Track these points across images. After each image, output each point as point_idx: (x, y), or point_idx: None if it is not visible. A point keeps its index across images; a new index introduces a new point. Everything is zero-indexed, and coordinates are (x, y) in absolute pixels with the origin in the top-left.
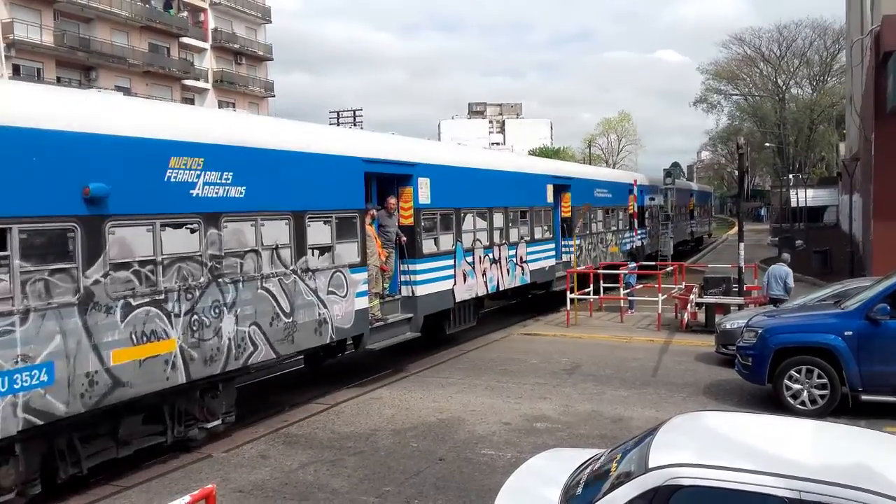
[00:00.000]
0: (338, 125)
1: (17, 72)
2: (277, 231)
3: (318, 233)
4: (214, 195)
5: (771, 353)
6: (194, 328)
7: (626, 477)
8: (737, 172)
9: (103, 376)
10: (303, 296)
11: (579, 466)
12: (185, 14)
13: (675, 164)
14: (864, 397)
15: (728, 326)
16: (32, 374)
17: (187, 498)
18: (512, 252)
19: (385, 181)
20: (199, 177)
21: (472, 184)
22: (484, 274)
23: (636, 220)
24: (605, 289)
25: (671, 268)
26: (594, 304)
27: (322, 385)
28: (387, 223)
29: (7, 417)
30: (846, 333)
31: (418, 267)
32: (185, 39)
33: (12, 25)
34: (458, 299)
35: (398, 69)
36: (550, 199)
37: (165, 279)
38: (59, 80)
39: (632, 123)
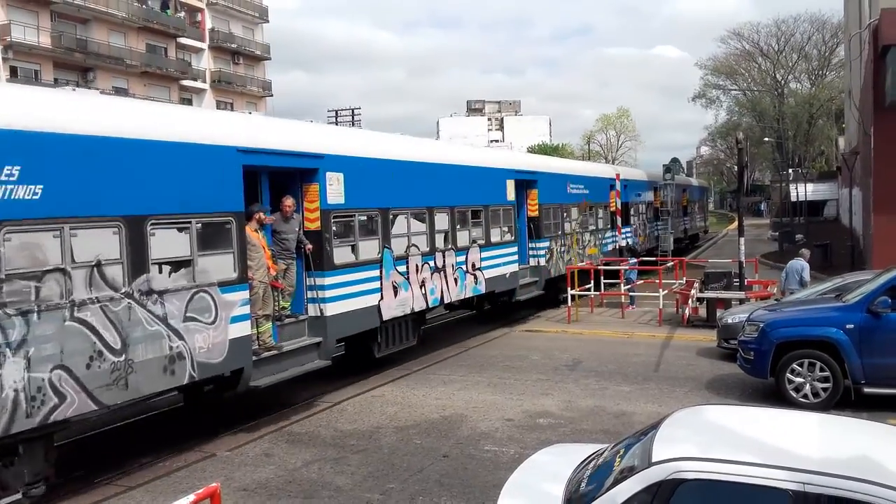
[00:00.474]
0: (336, 124)
1: (14, 74)
2: (100, 242)
3: (170, 243)
4: None
5: (773, 347)
6: None
7: (630, 471)
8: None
9: None
10: (143, 326)
11: (583, 461)
12: (182, 14)
13: (675, 160)
14: (866, 390)
15: (729, 321)
16: None
17: (192, 497)
18: (461, 258)
19: (283, 178)
20: None
21: (405, 180)
22: (423, 285)
23: (620, 218)
24: (606, 285)
25: (671, 263)
26: (595, 300)
27: (324, 383)
28: (283, 229)
29: None
30: (848, 327)
31: (328, 280)
32: (183, 40)
33: (9, 27)
34: (386, 317)
35: (397, 67)
36: (512, 196)
37: None
38: (56, 82)
39: (631, 119)
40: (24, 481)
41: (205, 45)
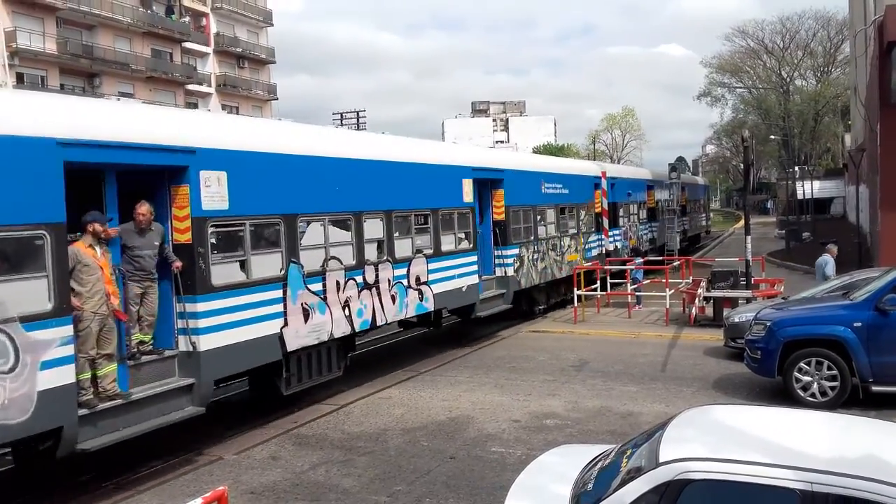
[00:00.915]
0: (341, 126)
1: (20, 80)
2: None
3: None
4: None
5: (780, 346)
6: None
7: (637, 472)
8: (742, 166)
9: None
10: None
11: (590, 462)
12: (186, 19)
13: (681, 159)
14: (874, 388)
15: (736, 320)
16: None
17: (199, 500)
18: (401, 272)
19: (144, 179)
20: None
21: (321, 180)
22: (347, 306)
23: (607, 220)
24: (612, 285)
25: (677, 262)
26: (601, 300)
27: (330, 386)
28: (136, 244)
29: None
30: (855, 325)
31: (203, 307)
32: (188, 44)
33: (15, 34)
34: (293, 346)
35: (402, 69)
36: (470, 197)
37: None
38: (62, 88)
39: (636, 118)
40: None
41: (210, 50)
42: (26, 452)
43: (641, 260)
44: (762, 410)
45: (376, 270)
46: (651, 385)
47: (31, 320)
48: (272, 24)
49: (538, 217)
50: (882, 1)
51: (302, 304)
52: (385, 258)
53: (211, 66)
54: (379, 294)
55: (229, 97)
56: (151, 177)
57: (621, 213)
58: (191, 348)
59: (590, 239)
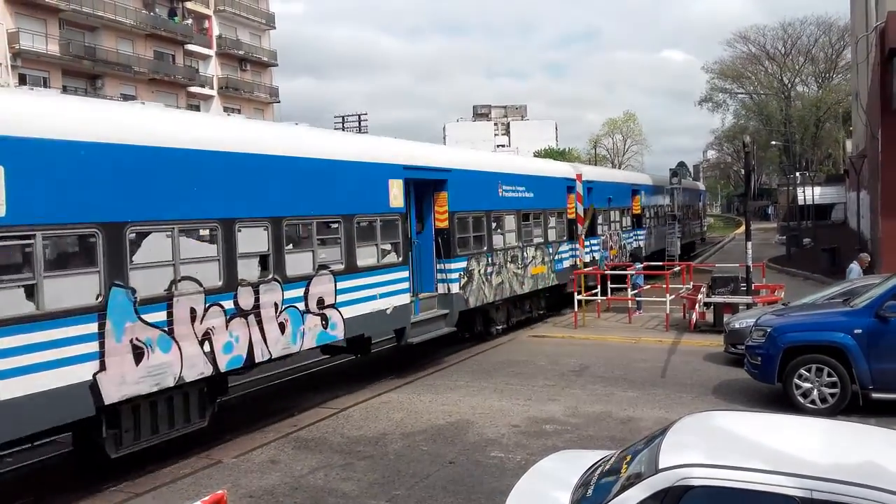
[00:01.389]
0: (343, 129)
1: (23, 81)
2: None
3: None
4: None
5: (780, 352)
6: None
7: (637, 478)
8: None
9: None
10: None
11: (589, 468)
12: (189, 21)
13: (682, 164)
14: (874, 395)
15: (737, 326)
16: None
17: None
18: (295, 293)
19: None
20: None
21: (168, 178)
22: (206, 340)
23: (583, 227)
24: (613, 290)
25: (678, 268)
26: (602, 305)
27: (330, 389)
28: None
29: None
30: (856, 331)
31: None
32: (190, 47)
33: (18, 35)
34: (116, 396)
35: (403, 72)
36: (399, 201)
37: None
38: (65, 89)
39: (637, 123)
40: None
41: (212, 52)
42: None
43: (641, 265)
44: (762, 417)
45: (256, 293)
46: (651, 390)
47: None
48: (274, 27)
49: (493, 224)
50: (884, 7)
51: (131, 341)
52: (271, 277)
53: (213, 69)
54: (259, 322)
55: (231, 100)
56: None
57: (600, 220)
58: None
59: (560, 249)
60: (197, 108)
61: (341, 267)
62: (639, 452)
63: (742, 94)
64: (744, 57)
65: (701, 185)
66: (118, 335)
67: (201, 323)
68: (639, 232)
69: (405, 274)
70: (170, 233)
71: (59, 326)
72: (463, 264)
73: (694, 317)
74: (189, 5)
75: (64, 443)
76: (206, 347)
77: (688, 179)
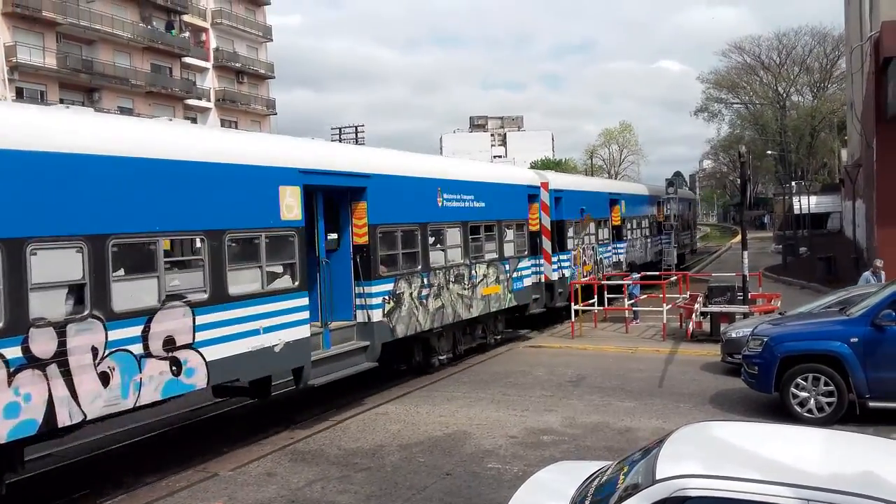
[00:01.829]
0: (340, 141)
1: (20, 94)
2: None
3: None
4: None
5: (777, 362)
6: None
7: (634, 489)
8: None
9: None
10: None
11: (587, 479)
12: (186, 34)
13: (678, 174)
14: (871, 404)
15: (733, 335)
16: None
17: None
18: (128, 332)
19: None
20: None
21: None
22: None
23: (549, 241)
24: (610, 299)
25: (675, 277)
26: (598, 314)
27: (327, 401)
28: None
29: None
30: (852, 340)
31: None
32: (187, 59)
33: (15, 49)
34: None
35: (400, 84)
36: (295, 213)
37: None
38: (62, 102)
39: (633, 133)
40: None
41: (209, 65)
42: None
43: (638, 275)
44: (759, 427)
45: (61, 335)
46: (648, 400)
47: None
48: (271, 40)
49: (431, 239)
50: (878, 17)
51: None
52: (87, 314)
53: (210, 81)
54: (67, 374)
55: (228, 112)
56: None
57: (571, 232)
58: None
59: (520, 266)
60: (194, 121)
61: (204, 296)
62: (636, 463)
63: (737, 103)
64: (739, 67)
65: (691, 194)
66: None
67: None
68: (618, 245)
69: (304, 301)
70: None
71: None
72: (388, 287)
73: (691, 326)
74: (186, 18)
75: (58, 456)
76: None
77: (683, 189)
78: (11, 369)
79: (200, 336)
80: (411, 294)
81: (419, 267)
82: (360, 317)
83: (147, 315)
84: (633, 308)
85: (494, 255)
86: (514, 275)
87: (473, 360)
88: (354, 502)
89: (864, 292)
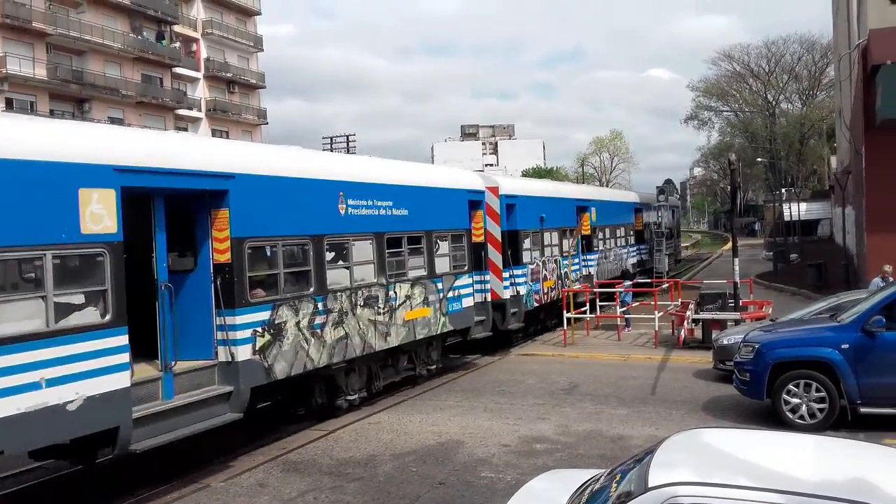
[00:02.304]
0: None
1: (10, 105)
2: None
3: None
4: None
5: (768, 368)
6: None
7: (627, 497)
8: (729, 188)
9: None
10: None
11: (579, 487)
12: (177, 44)
13: (668, 181)
14: (862, 410)
15: (725, 342)
16: None
17: None
18: None
19: None
20: None
21: None
22: None
23: (501, 255)
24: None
25: (666, 285)
26: (591, 322)
27: (318, 412)
28: None
29: None
30: (843, 346)
31: None
32: (178, 69)
33: (5, 59)
34: None
35: (391, 94)
36: (109, 224)
37: None
38: (52, 113)
39: (624, 141)
40: None
41: (200, 75)
42: None
43: (630, 283)
44: (751, 434)
45: None
46: (641, 408)
47: None
48: (262, 49)
49: (330, 255)
50: (865, 25)
51: None
52: None
53: (201, 91)
54: None
55: (219, 122)
56: None
57: (527, 244)
58: None
59: (458, 283)
60: (185, 131)
61: None
62: (628, 471)
63: (727, 111)
64: (728, 75)
65: (675, 201)
66: None
67: None
68: (588, 257)
69: (120, 340)
70: None
71: None
72: (261, 315)
73: (683, 333)
74: (177, 29)
75: (49, 467)
76: None
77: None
78: None
79: None
80: (299, 323)
81: (311, 289)
82: (223, 355)
83: None
84: (626, 315)
85: (422, 273)
86: (450, 294)
87: (465, 369)
88: None
89: (855, 298)
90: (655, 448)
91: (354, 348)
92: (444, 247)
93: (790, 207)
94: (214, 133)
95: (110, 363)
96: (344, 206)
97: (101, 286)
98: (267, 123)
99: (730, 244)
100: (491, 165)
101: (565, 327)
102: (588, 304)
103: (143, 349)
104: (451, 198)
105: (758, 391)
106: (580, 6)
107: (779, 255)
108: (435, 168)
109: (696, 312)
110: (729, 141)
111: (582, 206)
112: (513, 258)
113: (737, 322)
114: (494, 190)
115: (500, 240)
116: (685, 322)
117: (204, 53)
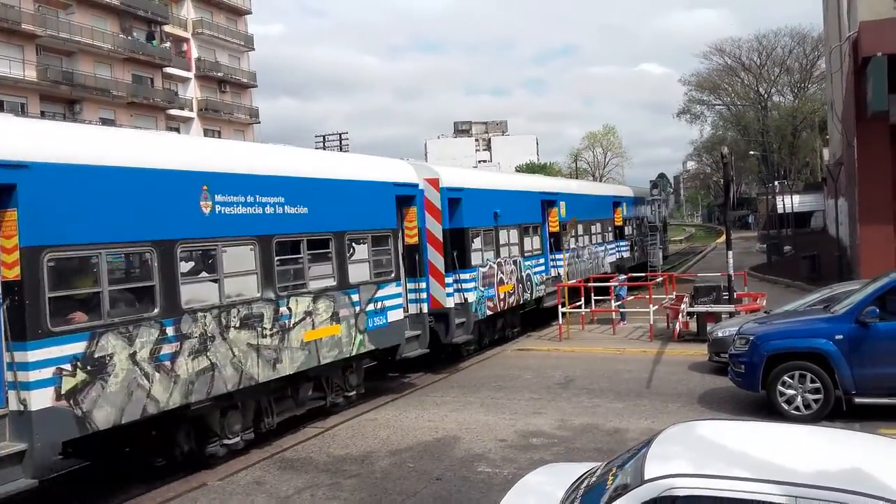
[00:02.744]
0: (324, 149)
1: (0, 107)
2: None
3: None
4: None
5: (763, 360)
6: None
7: (623, 489)
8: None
9: None
10: None
11: (576, 481)
12: (167, 44)
13: (662, 175)
14: (857, 400)
15: (720, 334)
16: None
17: None
18: None
19: None
20: None
21: None
22: None
23: (444, 257)
24: (596, 301)
25: (661, 278)
26: (586, 316)
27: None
28: None
29: None
30: (837, 337)
31: None
32: (169, 69)
33: None
34: None
35: (384, 91)
36: None
37: None
38: (43, 115)
39: (617, 136)
40: None
41: (191, 75)
42: None
43: (625, 276)
44: (747, 425)
45: None
46: (637, 401)
47: None
48: (253, 49)
49: (187, 265)
50: (856, 17)
51: None
52: None
53: (192, 91)
54: None
55: (211, 121)
56: None
57: (478, 244)
58: None
59: (382, 294)
60: (177, 131)
61: None
62: (625, 464)
63: (719, 105)
64: (720, 69)
65: (659, 195)
66: None
67: None
68: (556, 256)
69: None
70: None
71: None
72: (72, 348)
73: (677, 326)
74: (167, 29)
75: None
76: None
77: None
78: None
79: None
80: (134, 355)
81: (155, 310)
82: (13, 402)
83: None
84: (620, 309)
85: (329, 283)
86: (370, 307)
87: (462, 364)
88: None
89: (849, 290)
90: (651, 441)
91: (225, 382)
92: (361, 251)
93: (783, 200)
94: (207, 133)
95: None
96: (209, 203)
97: None
98: (259, 122)
99: (724, 237)
100: (484, 161)
101: (560, 321)
102: (582, 300)
103: None
104: (372, 192)
105: (753, 383)
106: (571, 2)
107: (772, 248)
108: (349, 157)
109: (691, 305)
110: (721, 134)
111: (549, 201)
112: (458, 261)
113: (731, 314)
114: (434, 182)
115: (441, 240)
116: (680, 315)
117: (195, 53)
